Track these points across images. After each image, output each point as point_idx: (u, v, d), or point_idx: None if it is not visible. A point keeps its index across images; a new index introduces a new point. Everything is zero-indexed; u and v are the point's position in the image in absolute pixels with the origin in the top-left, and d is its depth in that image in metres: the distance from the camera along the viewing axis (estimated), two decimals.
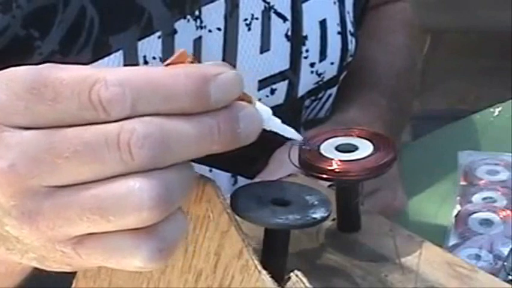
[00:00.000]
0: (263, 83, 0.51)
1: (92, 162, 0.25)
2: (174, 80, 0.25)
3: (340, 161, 0.33)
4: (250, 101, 0.26)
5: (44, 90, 0.25)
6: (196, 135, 0.25)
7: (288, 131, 0.30)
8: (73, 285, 0.30)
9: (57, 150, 0.25)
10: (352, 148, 0.34)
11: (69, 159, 0.25)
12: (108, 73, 0.25)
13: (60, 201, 0.25)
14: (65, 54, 0.44)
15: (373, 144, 0.35)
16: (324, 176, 0.33)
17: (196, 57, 0.26)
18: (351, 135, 0.35)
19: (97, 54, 0.45)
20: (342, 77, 0.55)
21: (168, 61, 0.26)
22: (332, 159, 0.33)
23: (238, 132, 0.25)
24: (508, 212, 0.51)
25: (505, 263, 0.45)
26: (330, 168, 0.33)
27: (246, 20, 0.49)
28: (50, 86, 0.25)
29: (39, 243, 0.26)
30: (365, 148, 0.34)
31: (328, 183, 0.35)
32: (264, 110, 0.27)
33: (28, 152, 0.25)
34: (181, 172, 0.25)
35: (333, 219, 0.35)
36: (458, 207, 0.53)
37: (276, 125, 0.28)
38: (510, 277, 0.45)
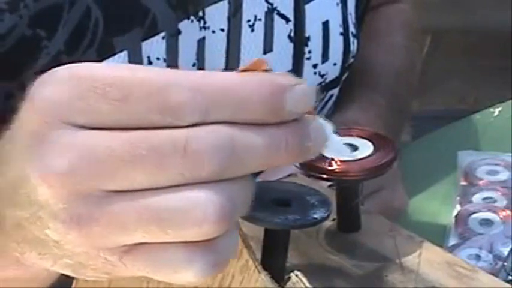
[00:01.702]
0: None
1: (157, 169, 0.23)
2: (248, 88, 0.23)
3: (340, 161, 0.33)
4: (313, 115, 0.25)
5: (110, 90, 0.23)
6: (265, 148, 0.23)
7: (344, 151, 0.29)
8: (73, 286, 0.29)
9: (121, 153, 0.23)
10: (352, 148, 0.33)
11: (133, 163, 0.23)
12: (181, 76, 0.23)
13: (116, 208, 0.23)
14: (70, 55, 0.44)
15: (373, 144, 0.34)
16: (324, 176, 0.33)
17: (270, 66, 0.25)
18: (351, 135, 0.34)
19: (101, 55, 0.44)
20: (344, 77, 0.54)
21: (242, 67, 0.24)
22: (332, 159, 0.32)
23: (306, 147, 0.24)
24: (508, 212, 0.50)
25: (505, 263, 0.44)
26: (330, 168, 0.32)
27: (249, 21, 0.48)
28: (116, 85, 0.23)
29: (82, 250, 0.24)
30: (365, 148, 0.34)
31: (328, 183, 0.35)
32: (326, 125, 0.25)
33: (88, 153, 0.23)
34: (245, 184, 0.23)
35: (333, 219, 0.35)
36: (458, 207, 0.52)
37: (335, 141, 0.26)
38: (510, 277, 0.44)
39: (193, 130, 0.23)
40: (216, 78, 0.23)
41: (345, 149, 0.29)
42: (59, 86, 0.24)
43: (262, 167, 0.24)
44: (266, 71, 0.24)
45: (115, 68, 0.24)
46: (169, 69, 0.24)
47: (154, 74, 0.23)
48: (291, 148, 0.24)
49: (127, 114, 0.23)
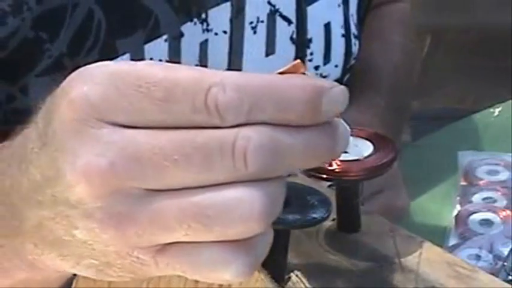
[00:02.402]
0: None
1: (202, 168, 0.22)
2: (290, 90, 0.23)
3: (340, 161, 0.32)
4: (338, 117, 0.25)
5: (154, 89, 0.22)
6: (303, 148, 0.23)
7: (356, 152, 0.29)
8: (73, 285, 0.29)
9: (165, 152, 0.22)
10: (360, 148, 0.33)
11: (178, 162, 0.22)
12: (225, 77, 0.23)
13: (159, 206, 0.22)
14: (72, 57, 0.43)
15: (373, 144, 0.34)
16: (324, 176, 0.32)
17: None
18: (351, 135, 0.34)
19: (104, 58, 0.44)
20: (345, 79, 0.54)
21: (282, 69, 0.24)
22: (332, 159, 0.32)
23: (335, 149, 0.24)
24: (508, 212, 0.49)
25: (505, 263, 0.44)
26: (330, 168, 0.32)
27: (251, 23, 0.48)
28: (160, 85, 0.22)
29: (113, 249, 0.23)
30: (365, 148, 0.33)
31: (328, 183, 0.34)
32: (347, 127, 0.26)
33: (131, 152, 0.22)
34: (281, 184, 0.23)
35: (333, 219, 0.34)
36: (458, 207, 0.52)
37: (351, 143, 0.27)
38: (510, 277, 0.43)
39: (240, 130, 0.22)
40: (260, 79, 0.23)
41: (357, 150, 0.28)
42: (98, 84, 0.23)
43: (298, 167, 0.24)
44: (303, 73, 0.24)
45: (158, 67, 0.23)
46: (211, 70, 0.23)
47: (199, 74, 0.23)
48: (325, 150, 0.24)
49: (171, 114, 0.22)
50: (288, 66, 0.24)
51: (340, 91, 0.24)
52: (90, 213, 0.23)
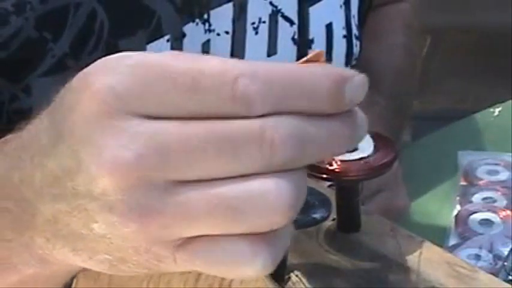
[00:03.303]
0: None
1: (230, 158, 0.22)
2: (315, 79, 0.22)
3: (340, 161, 0.32)
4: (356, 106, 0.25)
5: (181, 80, 0.22)
6: (326, 138, 0.23)
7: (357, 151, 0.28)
8: (73, 285, 0.28)
9: (193, 143, 0.21)
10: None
11: (206, 153, 0.21)
12: (252, 67, 0.22)
13: (184, 198, 0.22)
14: (75, 57, 0.43)
15: (373, 144, 0.33)
16: (324, 176, 0.32)
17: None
18: None
19: None
20: None
21: (303, 59, 0.24)
22: (332, 159, 0.31)
23: (355, 138, 0.23)
24: (508, 212, 0.49)
25: (505, 263, 0.43)
26: (330, 168, 0.31)
27: (253, 23, 0.48)
28: (187, 75, 0.22)
29: (130, 244, 0.22)
30: (365, 148, 0.33)
31: (328, 183, 0.34)
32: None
33: (158, 143, 0.21)
34: (304, 175, 0.23)
35: (333, 219, 0.34)
36: (458, 207, 0.51)
37: None
38: (510, 277, 0.43)
39: (267, 120, 0.22)
40: (285, 68, 0.23)
41: (359, 150, 0.28)
42: (122, 75, 0.22)
43: (322, 157, 0.23)
44: (325, 63, 0.24)
45: (183, 57, 0.22)
46: (237, 60, 0.22)
47: (225, 64, 0.22)
48: (345, 139, 0.23)
49: (197, 104, 0.22)
50: (310, 55, 0.24)
51: (362, 79, 0.23)
52: (111, 206, 0.22)
